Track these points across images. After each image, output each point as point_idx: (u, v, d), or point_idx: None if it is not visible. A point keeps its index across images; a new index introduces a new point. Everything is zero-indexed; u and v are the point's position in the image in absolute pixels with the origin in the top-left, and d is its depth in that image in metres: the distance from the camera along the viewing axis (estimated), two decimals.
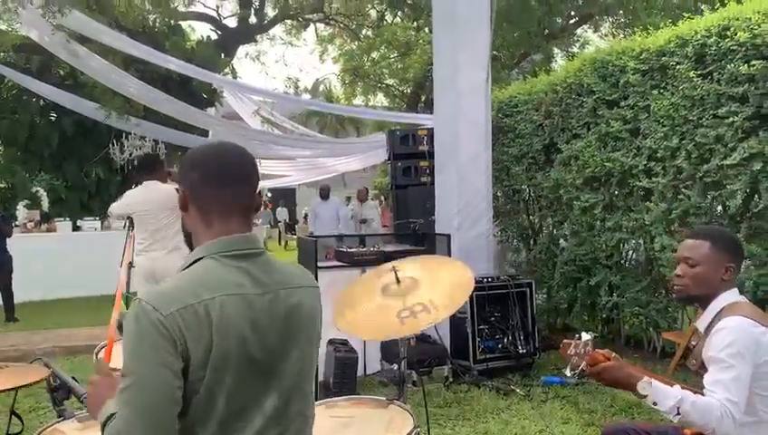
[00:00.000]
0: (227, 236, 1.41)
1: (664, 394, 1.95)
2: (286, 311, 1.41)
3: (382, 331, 2.43)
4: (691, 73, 4.59)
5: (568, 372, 2.05)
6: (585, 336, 2.08)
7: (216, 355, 1.27)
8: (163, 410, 1.23)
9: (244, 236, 1.43)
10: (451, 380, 5.06)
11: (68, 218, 10.47)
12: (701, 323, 2.21)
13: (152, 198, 5.09)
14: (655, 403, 1.97)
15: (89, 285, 9.03)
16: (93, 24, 8.05)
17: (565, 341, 2.10)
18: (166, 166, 5.51)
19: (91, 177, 10.86)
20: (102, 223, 10.55)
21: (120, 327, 2.57)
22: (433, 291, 2.48)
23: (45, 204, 11.31)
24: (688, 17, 5.02)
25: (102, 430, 1.29)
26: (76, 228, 10.35)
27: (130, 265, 7.62)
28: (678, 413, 1.92)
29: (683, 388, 2.07)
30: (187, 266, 1.39)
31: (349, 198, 18.07)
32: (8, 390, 2.04)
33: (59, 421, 2.09)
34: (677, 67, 4.73)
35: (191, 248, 1.46)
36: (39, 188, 11.11)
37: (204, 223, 1.44)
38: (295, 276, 1.50)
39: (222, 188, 1.43)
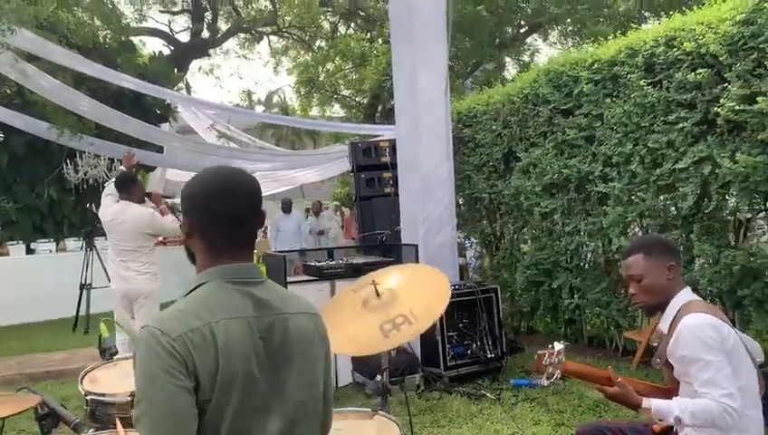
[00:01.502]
0: (232, 263, 1.44)
1: (663, 413, 2.14)
2: (285, 335, 1.43)
3: (368, 346, 2.44)
4: (641, 82, 4.79)
5: (545, 383, 2.15)
6: (558, 346, 2.20)
7: (222, 377, 1.30)
8: (181, 430, 1.25)
9: (249, 265, 1.46)
10: (423, 387, 5.10)
11: (20, 241, 10.14)
12: (663, 324, 2.34)
13: (122, 218, 5.03)
14: (660, 420, 2.17)
15: (45, 309, 8.78)
16: (44, 43, 7.86)
17: (539, 352, 2.22)
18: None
19: (43, 198, 10.57)
20: (57, 245, 10.27)
21: (101, 352, 2.57)
22: (412, 300, 2.54)
23: None
24: (636, 27, 5.24)
25: None
26: (30, 251, 10.03)
27: (89, 286, 7.48)
28: (679, 424, 2.11)
29: (665, 388, 2.22)
30: (191, 291, 1.41)
31: (308, 210, 17.99)
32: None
33: None
34: (628, 76, 4.93)
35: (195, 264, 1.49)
36: None
37: (212, 256, 1.45)
38: (294, 302, 1.52)
39: (234, 226, 1.45)
